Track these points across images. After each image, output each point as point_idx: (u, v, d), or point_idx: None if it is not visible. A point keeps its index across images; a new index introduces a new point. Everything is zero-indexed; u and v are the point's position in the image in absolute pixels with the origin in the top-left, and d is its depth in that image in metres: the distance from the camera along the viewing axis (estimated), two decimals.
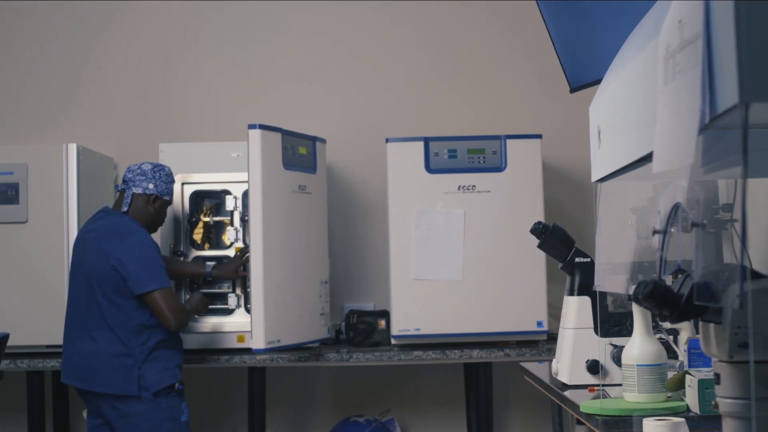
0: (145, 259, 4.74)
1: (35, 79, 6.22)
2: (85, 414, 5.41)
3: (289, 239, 5.15)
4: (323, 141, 5.52)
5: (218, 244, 5.58)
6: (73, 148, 5.42)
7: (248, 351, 5.16)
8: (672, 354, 3.58)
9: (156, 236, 5.22)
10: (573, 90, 4.05)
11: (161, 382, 4.71)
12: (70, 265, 4.96)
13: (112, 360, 4.70)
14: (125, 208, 4.89)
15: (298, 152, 5.28)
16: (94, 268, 4.75)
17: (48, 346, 5.31)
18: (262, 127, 5.03)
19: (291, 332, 5.13)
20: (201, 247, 5.53)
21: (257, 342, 4.92)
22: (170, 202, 5.06)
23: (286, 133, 5.19)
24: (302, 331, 5.23)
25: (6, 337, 4.97)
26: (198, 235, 5.54)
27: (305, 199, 5.30)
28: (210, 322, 5.37)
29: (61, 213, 5.32)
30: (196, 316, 5.20)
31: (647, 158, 2.10)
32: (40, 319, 5.29)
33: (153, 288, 4.69)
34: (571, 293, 3.92)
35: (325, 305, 5.41)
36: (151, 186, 4.90)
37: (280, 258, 5.08)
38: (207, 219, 5.54)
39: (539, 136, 5.45)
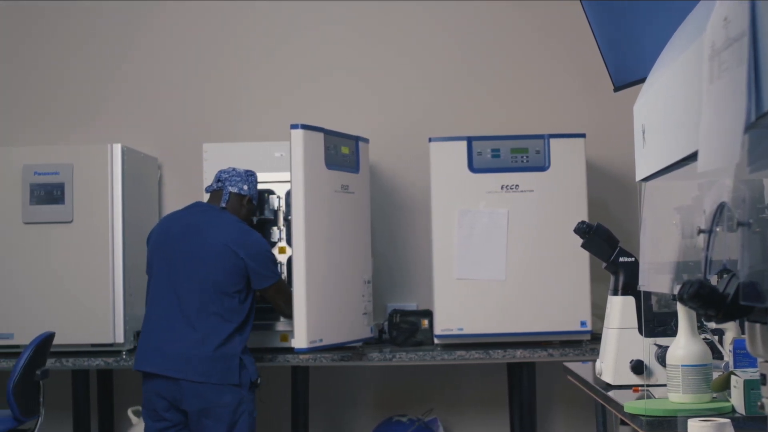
0: (269, 255, 5.03)
1: (80, 80, 6.27)
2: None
3: (331, 239, 5.16)
4: (366, 141, 5.52)
5: None
6: (117, 148, 5.46)
7: (291, 350, 5.17)
8: (717, 354, 3.55)
9: None
10: (617, 89, 4.04)
11: (255, 373, 4.86)
12: (158, 254, 4.97)
13: (216, 350, 4.77)
14: (224, 204, 5.04)
15: (341, 152, 5.29)
16: (210, 258, 4.86)
17: (93, 345, 5.36)
18: (305, 127, 5.03)
19: (333, 332, 5.13)
20: None
21: (299, 341, 4.93)
22: (255, 205, 5.28)
23: (328, 133, 5.19)
24: (345, 331, 5.24)
25: (51, 336, 5.02)
26: None
27: (348, 198, 5.30)
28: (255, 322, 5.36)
29: (106, 213, 5.36)
30: None
31: (692, 157, 2.09)
32: (85, 318, 5.34)
33: (273, 281, 4.96)
34: (616, 293, 3.90)
35: (368, 305, 5.40)
36: (245, 187, 5.10)
37: (323, 258, 5.08)
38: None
39: (583, 135, 5.43)
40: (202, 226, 4.93)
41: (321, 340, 5.02)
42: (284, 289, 5.06)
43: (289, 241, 5.38)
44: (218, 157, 5.43)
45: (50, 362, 5.13)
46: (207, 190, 5.14)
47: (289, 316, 5.05)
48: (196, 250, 4.87)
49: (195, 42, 6.29)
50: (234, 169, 5.12)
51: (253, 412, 4.88)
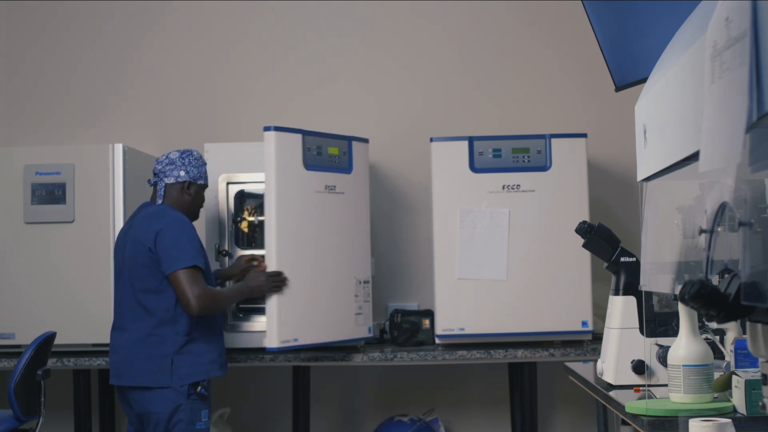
0: (176, 239, 4.60)
1: (81, 81, 6.28)
2: None
3: (309, 239, 5.12)
4: (364, 141, 5.49)
5: (262, 243, 5.59)
6: (119, 148, 5.46)
7: (291, 350, 5.20)
8: (718, 354, 3.55)
9: (201, 235, 5.26)
10: (618, 89, 4.05)
11: (192, 376, 4.56)
12: (114, 265, 4.92)
13: (144, 351, 4.59)
14: (160, 201, 4.79)
15: (327, 153, 5.28)
16: (131, 257, 4.66)
17: (94, 345, 5.35)
18: (279, 129, 5.01)
19: (313, 331, 5.10)
20: (246, 246, 5.54)
21: (271, 341, 4.90)
22: (206, 185, 4.91)
23: (309, 134, 5.17)
24: (329, 330, 5.20)
25: (52, 336, 5.02)
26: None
27: (335, 199, 5.29)
28: (259, 321, 5.37)
29: (108, 213, 5.36)
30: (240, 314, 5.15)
31: (694, 157, 2.09)
32: (86, 318, 5.34)
33: (176, 268, 4.53)
34: (617, 293, 3.90)
35: (364, 305, 5.38)
36: (182, 173, 4.79)
37: (299, 258, 5.06)
38: (252, 218, 5.56)
39: (584, 135, 5.43)
40: (128, 230, 4.77)
41: (296, 340, 4.99)
42: (189, 280, 4.53)
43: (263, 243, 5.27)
44: (219, 157, 5.41)
45: (51, 362, 5.13)
46: (149, 184, 4.93)
47: (195, 314, 4.54)
48: (121, 256, 4.74)
49: (197, 43, 6.29)
50: (167, 157, 4.82)
51: (197, 423, 4.57)
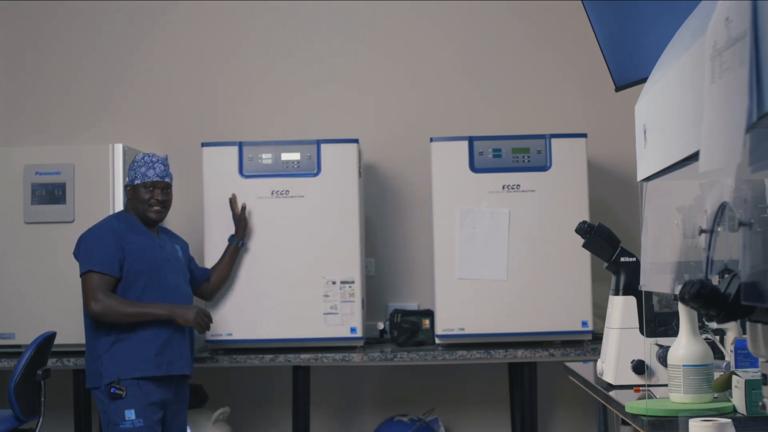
0: (88, 243, 4.71)
1: (81, 81, 6.27)
2: None
3: (254, 243, 5.38)
4: (353, 141, 5.47)
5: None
6: (119, 148, 5.46)
7: (292, 350, 5.25)
8: (718, 354, 3.55)
9: (199, 236, 5.28)
10: (618, 89, 4.04)
11: (109, 376, 4.58)
12: None
13: (87, 352, 4.71)
14: (123, 207, 5.00)
15: (280, 159, 5.41)
16: None
17: None
18: (212, 144, 5.49)
19: (250, 328, 5.33)
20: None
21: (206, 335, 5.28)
22: (143, 183, 4.82)
23: (251, 145, 5.44)
24: (281, 328, 5.34)
25: (52, 336, 5.02)
26: None
27: (289, 203, 5.39)
28: None
29: (108, 213, 5.34)
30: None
31: (694, 157, 2.09)
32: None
33: (81, 271, 4.67)
34: (617, 293, 3.90)
35: (342, 305, 5.35)
36: (126, 180, 4.93)
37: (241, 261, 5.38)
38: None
39: (584, 135, 5.43)
40: None
41: (230, 335, 5.35)
42: (89, 284, 4.62)
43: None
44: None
45: (51, 362, 5.13)
46: None
47: (90, 315, 4.61)
48: None
49: (197, 43, 6.29)
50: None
51: (121, 424, 4.54)
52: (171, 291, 4.80)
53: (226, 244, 5.32)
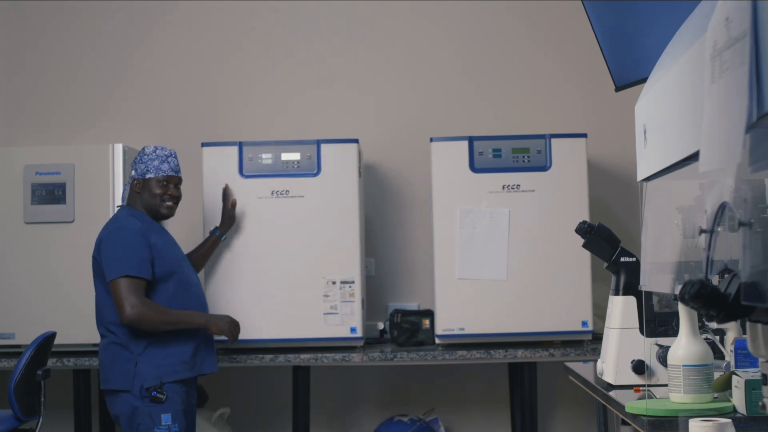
0: (114, 248, 4.54)
1: (81, 81, 6.28)
2: None
3: (251, 243, 5.37)
4: (353, 141, 5.46)
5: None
6: (119, 148, 5.47)
7: (292, 350, 5.26)
8: (718, 354, 3.55)
9: (199, 236, 5.28)
10: (618, 89, 4.05)
11: (150, 380, 4.48)
12: None
13: (111, 353, 4.55)
14: (123, 202, 4.81)
15: (281, 159, 5.39)
16: (92, 263, 4.66)
17: (94, 345, 5.34)
18: (212, 144, 5.46)
19: (253, 327, 5.29)
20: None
21: None
22: (156, 177, 4.72)
23: (251, 145, 5.41)
24: (281, 328, 5.34)
25: (52, 336, 5.02)
26: None
27: (289, 203, 5.38)
28: None
29: (108, 212, 5.35)
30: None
31: (694, 157, 2.09)
32: (86, 318, 5.31)
33: (113, 277, 4.47)
34: (617, 293, 3.90)
35: (342, 305, 5.35)
36: (132, 173, 4.75)
37: (237, 261, 5.38)
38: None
39: (584, 135, 5.42)
40: None
41: None
42: (122, 290, 4.46)
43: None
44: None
45: (51, 362, 5.13)
46: None
47: (125, 322, 4.46)
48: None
49: (197, 43, 6.29)
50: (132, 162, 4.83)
51: (155, 429, 4.43)
52: (195, 288, 4.76)
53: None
